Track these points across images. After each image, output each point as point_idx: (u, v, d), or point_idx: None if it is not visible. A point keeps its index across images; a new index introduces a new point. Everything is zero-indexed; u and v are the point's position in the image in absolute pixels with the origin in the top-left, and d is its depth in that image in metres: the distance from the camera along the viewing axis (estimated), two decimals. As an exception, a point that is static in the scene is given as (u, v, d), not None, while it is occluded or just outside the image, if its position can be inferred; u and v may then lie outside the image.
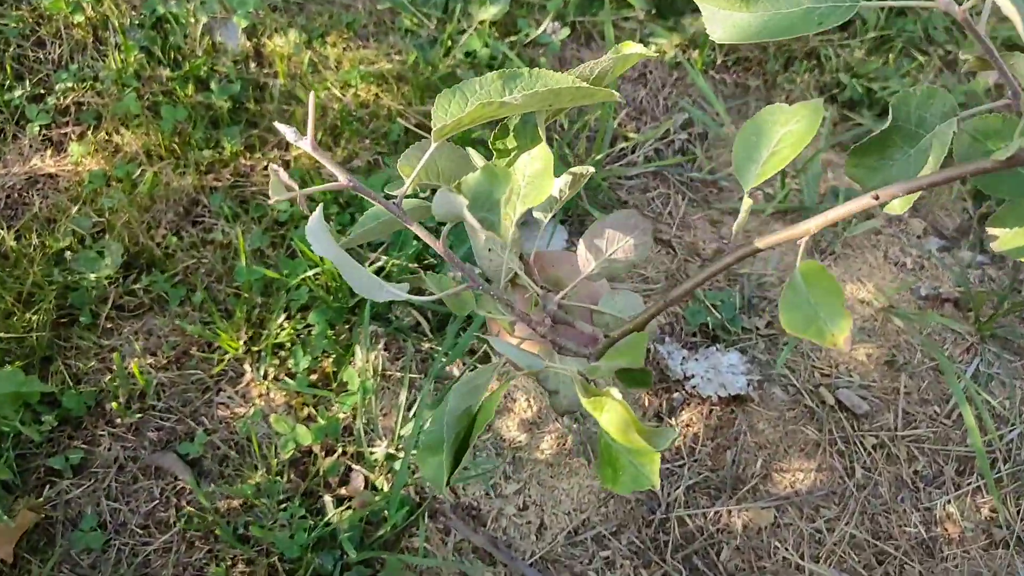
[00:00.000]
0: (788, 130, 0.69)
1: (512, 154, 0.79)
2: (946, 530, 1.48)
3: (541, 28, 1.97)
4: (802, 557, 1.44)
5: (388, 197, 0.73)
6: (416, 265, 1.57)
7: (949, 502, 1.50)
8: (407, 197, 0.79)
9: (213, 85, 1.77)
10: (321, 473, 1.40)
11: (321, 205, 0.73)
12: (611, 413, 0.68)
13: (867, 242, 1.77)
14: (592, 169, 0.86)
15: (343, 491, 1.39)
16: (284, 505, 1.37)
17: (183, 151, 1.71)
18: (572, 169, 0.87)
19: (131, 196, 1.63)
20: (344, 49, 1.89)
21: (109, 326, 1.54)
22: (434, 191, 0.75)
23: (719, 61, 2.03)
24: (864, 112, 1.96)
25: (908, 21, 2.11)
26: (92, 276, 1.54)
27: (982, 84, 1.99)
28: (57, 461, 1.41)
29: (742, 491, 1.48)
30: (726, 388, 1.55)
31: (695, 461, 1.52)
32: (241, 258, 1.54)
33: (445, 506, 1.41)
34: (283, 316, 1.52)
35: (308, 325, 1.50)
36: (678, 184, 1.83)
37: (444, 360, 1.48)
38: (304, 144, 0.68)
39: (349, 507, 1.36)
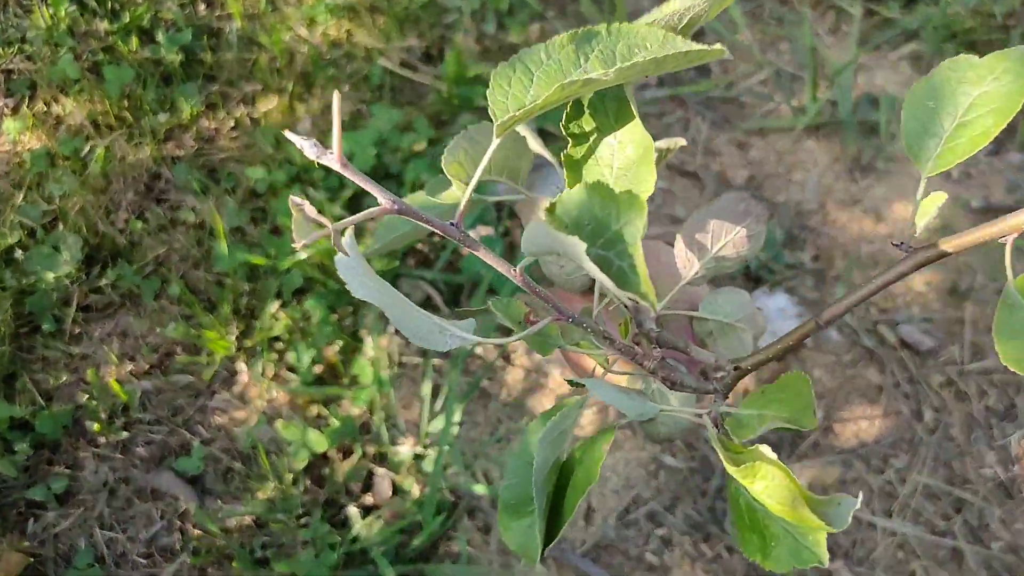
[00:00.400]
0: (984, 91, 0.51)
1: (592, 138, 0.61)
2: (1024, 468, 1.36)
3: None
4: (873, 513, 1.31)
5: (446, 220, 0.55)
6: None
7: (1024, 436, 1.37)
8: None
9: (160, 36, 1.54)
10: (341, 480, 1.24)
11: (352, 231, 0.54)
12: (770, 483, 0.52)
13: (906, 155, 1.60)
14: (683, 141, 0.68)
15: (368, 499, 1.24)
16: (304, 520, 1.22)
17: (135, 118, 1.49)
18: (659, 143, 0.69)
19: (82, 177, 1.42)
20: (303, -20, 1.65)
21: (77, 331, 1.34)
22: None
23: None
24: (892, 4, 1.76)
25: None
26: (50, 275, 1.34)
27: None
28: (38, 492, 1.23)
29: (802, 446, 1.35)
30: (777, 336, 1.40)
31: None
32: (220, 240, 1.34)
33: (482, 501, 1.26)
34: (276, 304, 1.33)
35: (306, 312, 1.32)
36: (696, 106, 1.64)
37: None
38: (330, 161, 0.49)
39: (379, 517, 1.20)
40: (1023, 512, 1.33)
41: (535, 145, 0.67)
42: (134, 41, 1.54)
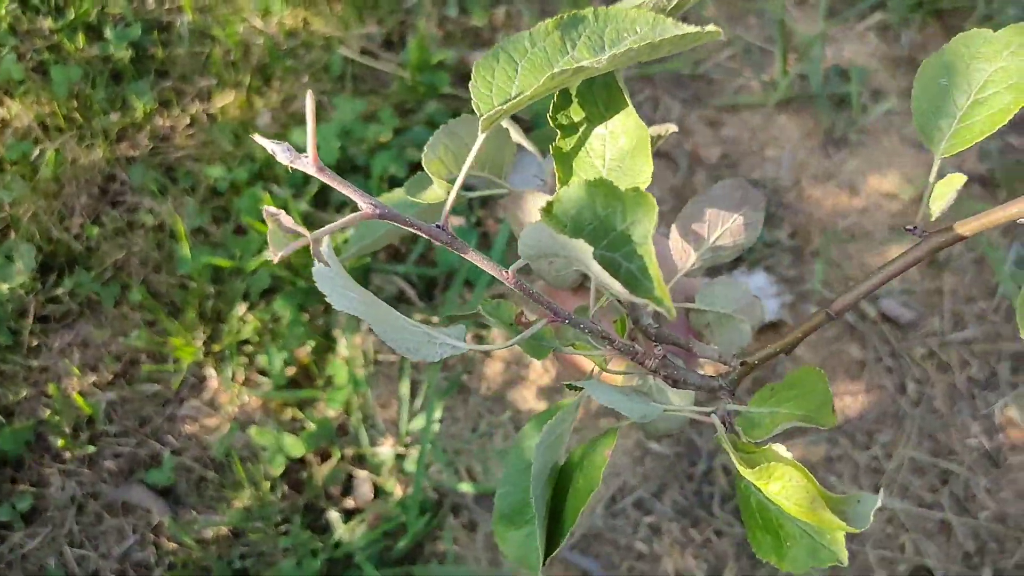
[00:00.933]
0: (1000, 67, 0.49)
1: (581, 129, 0.57)
2: (1008, 436, 1.35)
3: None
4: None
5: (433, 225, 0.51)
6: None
7: (1007, 405, 1.37)
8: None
9: (108, 32, 1.47)
10: (320, 484, 1.20)
11: (329, 239, 0.51)
12: (786, 484, 0.49)
13: (881, 125, 1.58)
14: (674, 127, 0.65)
15: (349, 502, 1.20)
16: (283, 528, 1.18)
17: (86, 118, 1.43)
18: (650, 130, 0.65)
19: (33, 182, 1.36)
20: (256, -33, 1.59)
21: (35, 343, 1.29)
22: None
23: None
24: (857, -25, 1.74)
25: None
26: (3, 286, 1.28)
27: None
28: (3, 512, 1.18)
29: (781, 443, 1.33)
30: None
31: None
32: (181, 242, 1.29)
33: (467, 498, 1.22)
34: (243, 306, 1.28)
35: (275, 313, 1.27)
36: (665, 84, 1.60)
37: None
38: (305, 165, 0.46)
39: (362, 520, 1.17)
40: (1009, 481, 1.32)
41: (517, 136, 0.64)
42: (80, 38, 1.48)
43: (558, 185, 0.68)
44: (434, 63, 1.42)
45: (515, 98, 0.49)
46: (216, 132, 1.41)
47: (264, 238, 1.27)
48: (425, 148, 0.60)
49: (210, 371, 1.26)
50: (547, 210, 0.46)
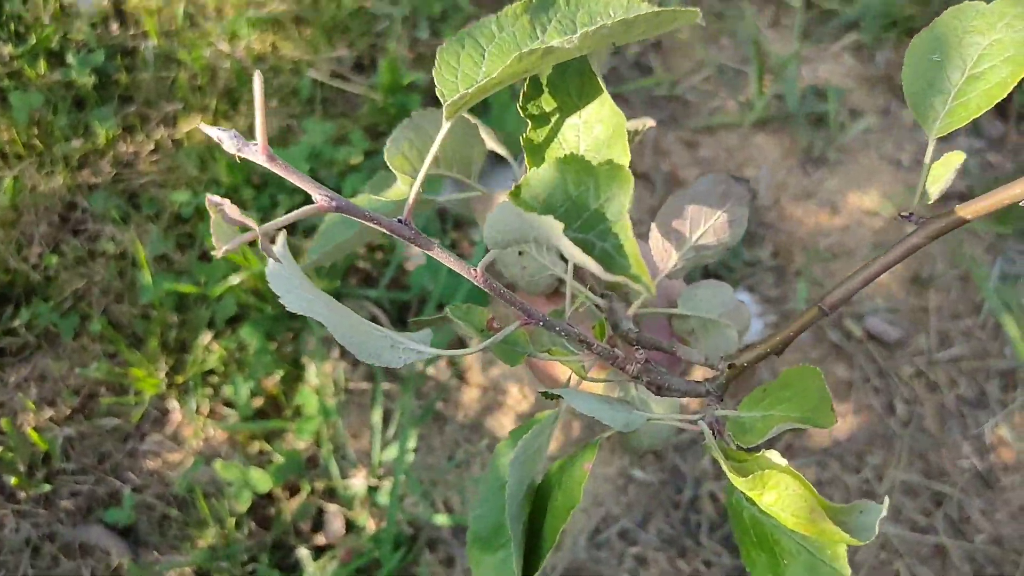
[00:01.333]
0: (996, 39, 0.46)
1: (554, 119, 0.54)
2: (1000, 456, 1.32)
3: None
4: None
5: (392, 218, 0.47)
6: (365, 250, 1.29)
7: (998, 424, 1.33)
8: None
9: (70, 58, 1.44)
10: (289, 520, 1.14)
11: (284, 235, 0.47)
12: (782, 494, 0.45)
13: (859, 143, 1.57)
14: (651, 121, 0.61)
15: (320, 538, 1.14)
16: (250, 567, 1.12)
17: (46, 145, 1.38)
18: (627, 124, 0.62)
19: (-11, 210, 1.31)
20: (223, -7, 1.57)
21: (-11, 378, 1.23)
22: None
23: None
24: (830, -6, 1.74)
25: None
26: (-44, 319, 1.22)
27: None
28: (-48, 557, 1.12)
29: (775, 450, 1.29)
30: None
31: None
32: (143, 270, 1.24)
33: (444, 532, 1.17)
34: (208, 335, 1.23)
35: (241, 342, 1.22)
36: (641, 105, 1.58)
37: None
38: (253, 154, 0.42)
39: (333, 557, 1.11)
40: (1003, 502, 1.28)
41: (487, 137, 0.60)
42: (42, 64, 1.44)
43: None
44: (405, 85, 1.39)
45: (481, 82, 0.46)
46: (182, 157, 1.36)
47: (231, 265, 1.23)
48: (387, 143, 0.56)
49: (173, 403, 1.21)
50: (515, 193, 0.42)
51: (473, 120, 0.61)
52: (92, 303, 1.27)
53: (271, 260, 0.46)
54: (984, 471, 1.30)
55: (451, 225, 1.35)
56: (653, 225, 0.59)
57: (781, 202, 1.48)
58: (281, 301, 0.44)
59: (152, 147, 1.40)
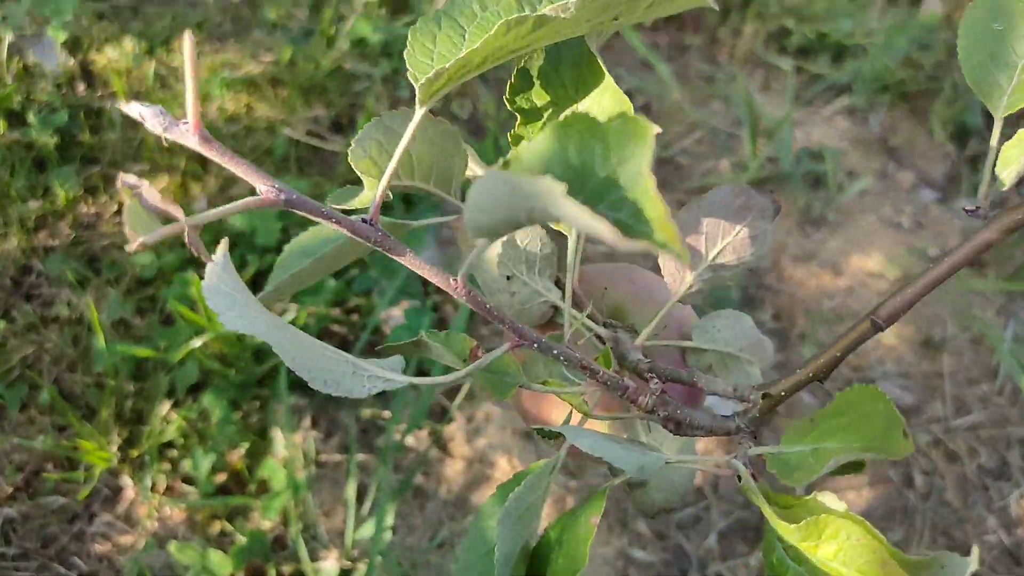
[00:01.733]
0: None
1: (546, 115, 0.47)
2: (1028, 531, 1.22)
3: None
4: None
5: (349, 213, 0.39)
6: (339, 312, 1.21)
7: (1023, 496, 1.24)
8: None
9: (31, 117, 1.37)
10: (252, 610, 1.02)
11: (225, 243, 0.38)
12: (844, 544, 0.36)
13: (857, 205, 1.51)
14: (658, 128, 0.54)
15: (286, 630, 1.02)
16: (207, 665, 0.99)
17: (1, 206, 1.30)
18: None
19: (-65, 274, 1.22)
20: (198, 55, 1.51)
21: (-76, 454, 1.12)
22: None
23: (648, 20, 1.74)
24: (821, 59, 1.70)
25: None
26: None
27: (933, 16, 1.77)
28: None
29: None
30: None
31: (721, 498, 1.21)
32: (97, 334, 1.14)
33: (426, 622, 1.05)
34: (167, 404, 1.13)
35: (204, 411, 1.12)
36: (630, 166, 1.52)
37: (397, 429, 1.13)
38: (183, 135, 0.34)
39: (299, 653, 0.99)
40: (1034, 582, 1.18)
41: (471, 159, 0.52)
42: (1, 124, 1.37)
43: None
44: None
45: (463, 54, 0.38)
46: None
47: (193, 326, 1.13)
48: (352, 144, 0.48)
49: (126, 479, 1.10)
50: (504, 167, 0.34)
51: (453, 128, 0.53)
52: (42, 372, 1.17)
53: (209, 274, 0.38)
54: (1012, 546, 1.20)
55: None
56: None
57: (781, 263, 1.41)
58: (220, 319, 0.35)
59: (116, 208, 1.32)
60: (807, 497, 0.38)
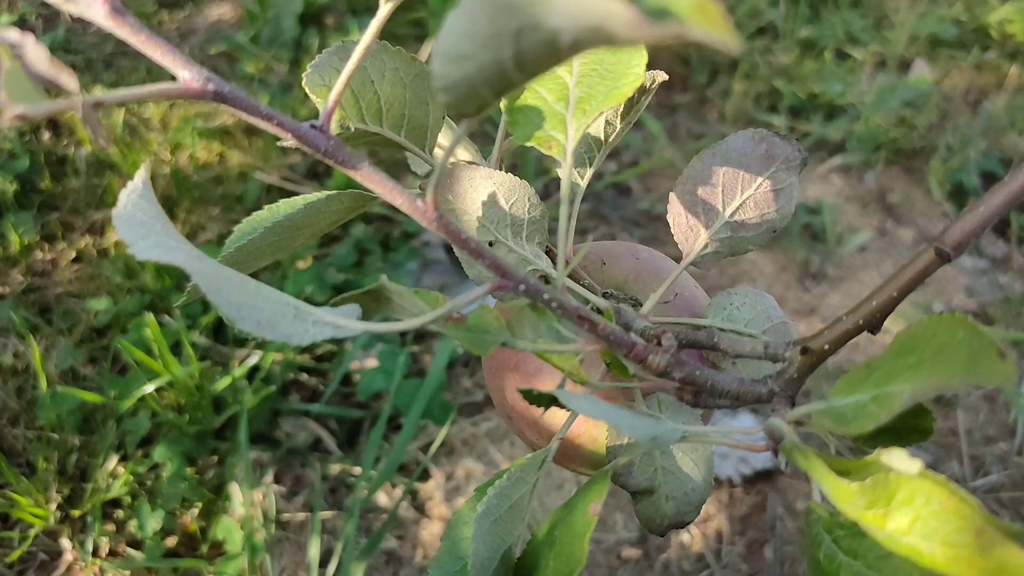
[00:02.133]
0: None
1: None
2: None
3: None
4: None
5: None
6: (308, 358, 1.12)
7: (1051, 567, 1.13)
8: None
9: (-10, 163, 1.30)
10: None
11: (147, 164, 0.30)
12: (923, 511, 0.27)
13: (858, 261, 1.44)
14: (664, 75, 0.47)
15: None
16: None
17: (-50, 251, 1.22)
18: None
19: None
20: (171, 106, 1.46)
21: None
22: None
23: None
24: (813, 117, 1.67)
25: (826, 24, 1.87)
26: None
27: (923, 80, 1.74)
28: None
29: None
30: (747, 463, 1.16)
31: (725, 567, 1.10)
32: (40, 382, 1.04)
33: None
34: (115, 458, 1.03)
35: (155, 465, 1.02)
36: (622, 223, 1.46)
37: (367, 486, 1.02)
38: (89, 7, 0.26)
39: None
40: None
41: (452, 135, 0.45)
42: (-42, 169, 1.30)
43: (499, 159, 0.49)
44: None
45: None
46: (106, 266, 1.20)
47: (148, 372, 1.04)
48: (308, 68, 0.41)
49: (64, 542, 0.98)
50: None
51: (429, 68, 0.46)
52: (-20, 425, 1.07)
53: (123, 200, 0.30)
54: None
55: (411, 338, 1.18)
56: (672, 195, 0.44)
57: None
58: (131, 250, 0.28)
59: (73, 256, 1.24)
60: (868, 457, 0.30)
